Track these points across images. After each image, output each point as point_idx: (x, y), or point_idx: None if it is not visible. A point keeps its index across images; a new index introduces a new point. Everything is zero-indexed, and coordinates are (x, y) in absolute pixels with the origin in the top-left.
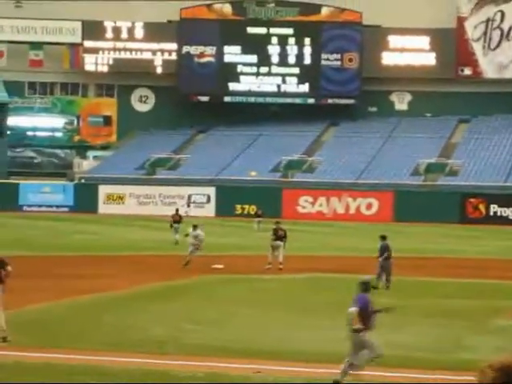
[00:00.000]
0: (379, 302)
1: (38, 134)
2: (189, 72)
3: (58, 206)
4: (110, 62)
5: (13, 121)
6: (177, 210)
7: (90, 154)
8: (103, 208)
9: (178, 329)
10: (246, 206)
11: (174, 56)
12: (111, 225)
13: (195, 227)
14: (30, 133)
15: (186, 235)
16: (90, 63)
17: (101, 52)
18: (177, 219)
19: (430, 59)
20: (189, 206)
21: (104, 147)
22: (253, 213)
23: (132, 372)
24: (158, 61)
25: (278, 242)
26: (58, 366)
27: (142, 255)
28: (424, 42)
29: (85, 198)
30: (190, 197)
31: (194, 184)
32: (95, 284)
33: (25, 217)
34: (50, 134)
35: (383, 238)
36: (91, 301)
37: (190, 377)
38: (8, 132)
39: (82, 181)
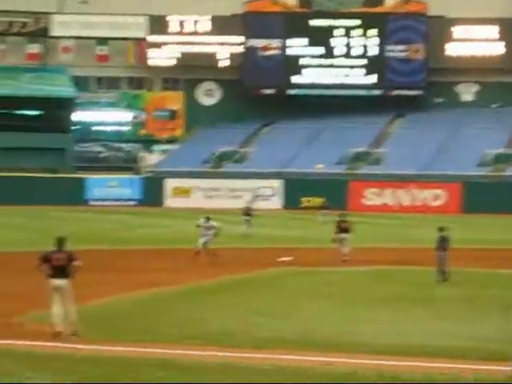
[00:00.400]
0: (445, 293)
1: (105, 128)
2: (254, 65)
3: (124, 200)
4: (176, 55)
5: (80, 115)
6: (248, 204)
7: (156, 147)
8: (170, 202)
9: (245, 321)
10: (313, 199)
11: (239, 49)
12: (178, 218)
13: (208, 219)
14: (96, 127)
15: (197, 226)
16: (155, 58)
17: (166, 46)
18: (247, 212)
19: (498, 49)
20: (255, 199)
21: (170, 141)
22: (319, 205)
23: (201, 364)
24: (223, 54)
25: (343, 235)
26: (127, 359)
27: (209, 248)
28: (493, 31)
29: (151, 192)
30: (256, 190)
31: (260, 177)
32: (162, 277)
33: (91, 211)
34: (117, 128)
35: (441, 229)
36: (158, 294)
37: (258, 369)
38: (75, 127)
39: (149, 175)
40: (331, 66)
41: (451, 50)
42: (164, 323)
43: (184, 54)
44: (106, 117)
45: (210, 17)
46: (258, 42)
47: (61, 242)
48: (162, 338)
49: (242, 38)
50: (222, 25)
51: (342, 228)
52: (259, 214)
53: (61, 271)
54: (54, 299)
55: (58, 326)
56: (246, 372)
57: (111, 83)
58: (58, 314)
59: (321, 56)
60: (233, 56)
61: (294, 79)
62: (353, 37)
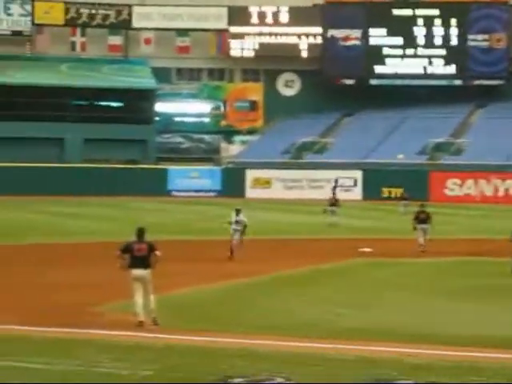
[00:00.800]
0: None
1: (186, 119)
2: (334, 55)
3: (205, 191)
4: (256, 46)
5: (161, 107)
6: (333, 194)
7: (237, 138)
8: (250, 192)
9: (326, 312)
10: (393, 190)
11: (319, 40)
12: (258, 209)
13: (238, 212)
14: (177, 118)
15: (228, 223)
16: (235, 48)
17: (246, 37)
18: (333, 202)
19: None
20: (335, 189)
21: (250, 132)
22: (399, 196)
23: (282, 354)
24: (304, 45)
25: (422, 225)
26: (207, 349)
27: (289, 239)
28: None
29: (232, 183)
30: (336, 180)
31: (340, 168)
32: (243, 268)
33: (173, 202)
34: (197, 119)
35: None
36: (239, 284)
37: (340, 359)
38: (156, 118)
39: (230, 165)
40: (413, 55)
41: None
42: (245, 313)
43: (264, 45)
44: (187, 108)
45: (289, 8)
46: (338, 32)
47: (141, 232)
48: (243, 329)
49: (320, 29)
50: (302, 15)
51: (421, 218)
52: (340, 204)
53: (142, 261)
54: (136, 289)
55: (140, 316)
56: (327, 363)
57: (191, 74)
58: (139, 304)
59: (403, 46)
60: (312, 47)
61: (377, 69)
62: (434, 26)
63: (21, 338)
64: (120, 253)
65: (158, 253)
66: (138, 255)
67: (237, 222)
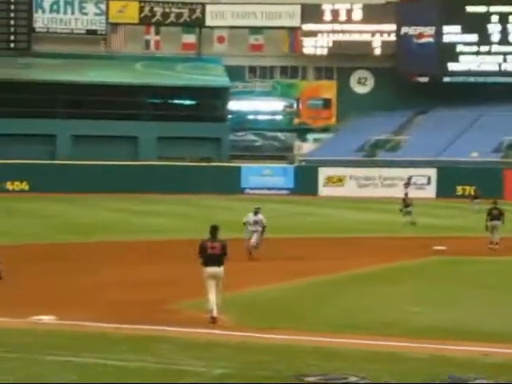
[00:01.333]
0: None
1: (259, 117)
2: (407, 53)
3: (278, 189)
4: (329, 44)
5: (234, 105)
6: (406, 194)
7: (310, 136)
8: (323, 190)
9: (403, 310)
10: (467, 187)
11: (392, 37)
12: (331, 207)
13: (257, 211)
14: (250, 116)
15: (244, 224)
16: (308, 46)
17: (319, 35)
18: (408, 203)
19: None
20: (407, 187)
21: (324, 130)
22: (471, 194)
23: (360, 353)
24: (377, 42)
25: (495, 222)
26: (283, 347)
27: (361, 237)
28: None
29: (305, 181)
30: (409, 178)
31: (414, 166)
32: (316, 266)
33: (247, 199)
34: (271, 117)
35: None
36: (312, 282)
37: (415, 358)
38: (230, 116)
39: (303, 163)
40: (488, 53)
41: None
42: (319, 311)
43: (337, 43)
44: (260, 106)
45: (363, 5)
46: (412, 30)
47: (215, 230)
48: (318, 326)
49: (394, 26)
50: (375, 13)
51: (494, 215)
52: (414, 202)
53: (216, 259)
54: (210, 286)
55: (213, 312)
56: (403, 361)
57: (264, 72)
58: (212, 301)
59: (477, 43)
60: (385, 44)
61: (451, 66)
62: (509, 23)
63: (98, 334)
64: (200, 252)
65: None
66: (212, 253)
67: (255, 223)
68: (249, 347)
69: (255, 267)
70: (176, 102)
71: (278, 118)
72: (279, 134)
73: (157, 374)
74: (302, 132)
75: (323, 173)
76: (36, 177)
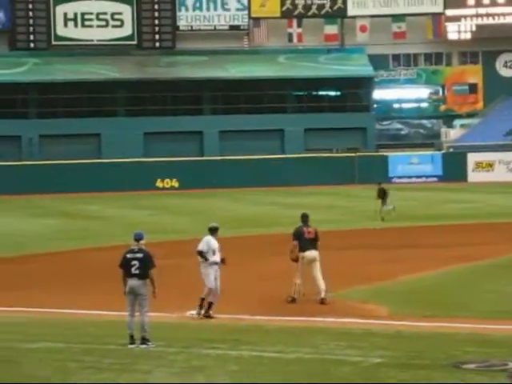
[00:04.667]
0: None
1: (404, 105)
2: None
3: (426, 177)
4: (473, 28)
5: (379, 94)
6: None
7: (457, 122)
8: (472, 176)
9: None
10: None
11: None
12: (482, 193)
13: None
14: (395, 105)
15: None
16: (452, 32)
17: (463, 19)
18: None
19: None
20: None
21: (470, 115)
22: None
23: None
24: None
25: None
26: (437, 335)
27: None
28: None
29: (453, 167)
30: None
31: None
32: (469, 252)
33: (395, 188)
34: (416, 105)
35: None
36: (468, 269)
37: None
38: (375, 105)
39: (450, 150)
40: None
41: None
42: (477, 298)
43: (481, 27)
44: (405, 94)
45: None
46: None
47: (305, 217)
48: (471, 314)
49: None
50: None
51: None
52: None
53: (311, 243)
54: (300, 270)
55: (295, 294)
56: None
57: (408, 60)
58: (300, 284)
59: None
60: None
61: None
62: None
63: (254, 327)
64: (294, 240)
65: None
66: (308, 238)
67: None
68: (405, 336)
69: (408, 255)
70: (320, 93)
71: (424, 105)
72: (425, 122)
73: (313, 363)
74: (448, 118)
75: (472, 158)
76: (185, 174)
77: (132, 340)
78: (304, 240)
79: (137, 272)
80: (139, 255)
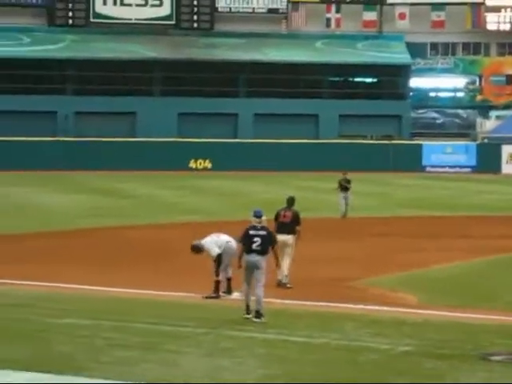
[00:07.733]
0: None
1: (440, 94)
2: None
3: (460, 167)
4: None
5: (415, 82)
6: None
7: (493, 113)
8: (506, 168)
9: None
10: None
11: None
12: None
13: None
14: (432, 94)
15: None
16: (492, 22)
17: (503, 10)
18: None
19: None
20: None
21: (506, 106)
22: None
23: None
24: None
25: None
26: (466, 325)
27: None
28: None
29: (488, 158)
30: None
31: None
32: (502, 243)
33: (428, 177)
34: (452, 94)
35: None
36: (499, 260)
37: None
38: (411, 93)
39: (485, 141)
40: None
41: None
42: (508, 289)
43: None
44: (442, 83)
45: None
46: None
47: (290, 200)
48: (502, 305)
49: None
50: None
51: None
52: None
53: (286, 227)
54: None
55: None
56: None
57: (446, 49)
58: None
59: None
60: None
61: None
62: None
63: (281, 311)
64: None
65: (298, 228)
66: (284, 221)
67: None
68: (433, 325)
69: (444, 244)
70: (357, 79)
71: (460, 95)
72: (460, 112)
73: (339, 350)
74: (484, 109)
75: (506, 150)
76: (219, 155)
77: (248, 310)
78: (279, 223)
79: (258, 248)
80: (262, 232)
